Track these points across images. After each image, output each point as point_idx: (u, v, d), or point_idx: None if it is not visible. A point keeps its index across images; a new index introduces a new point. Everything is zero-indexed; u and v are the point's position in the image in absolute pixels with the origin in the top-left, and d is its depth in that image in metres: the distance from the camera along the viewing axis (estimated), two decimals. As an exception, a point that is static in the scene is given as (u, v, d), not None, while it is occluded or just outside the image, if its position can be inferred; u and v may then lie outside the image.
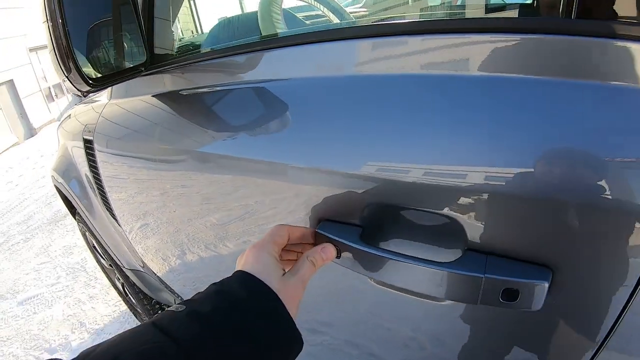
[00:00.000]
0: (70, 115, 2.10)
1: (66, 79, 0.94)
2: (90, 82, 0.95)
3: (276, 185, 0.75)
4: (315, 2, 1.56)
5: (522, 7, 1.02)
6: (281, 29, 1.21)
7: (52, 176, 2.27)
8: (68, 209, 2.46)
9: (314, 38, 0.78)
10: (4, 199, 7.32)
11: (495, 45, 0.53)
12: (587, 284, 0.50)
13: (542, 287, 0.49)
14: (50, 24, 0.87)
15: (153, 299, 2.14)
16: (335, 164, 0.64)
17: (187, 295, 1.57)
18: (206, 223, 1.06)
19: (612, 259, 0.46)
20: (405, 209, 0.59)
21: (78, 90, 0.95)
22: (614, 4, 0.46)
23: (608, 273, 0.47)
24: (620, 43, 0.45)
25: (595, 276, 0.49)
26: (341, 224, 0.66)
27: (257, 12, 1.25)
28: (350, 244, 0.62)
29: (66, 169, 2.07)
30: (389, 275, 0.61)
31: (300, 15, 1.52)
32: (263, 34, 1.20)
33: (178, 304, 0.51)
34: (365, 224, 0.65)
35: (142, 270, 1.86)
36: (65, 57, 0.90)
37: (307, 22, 1.53)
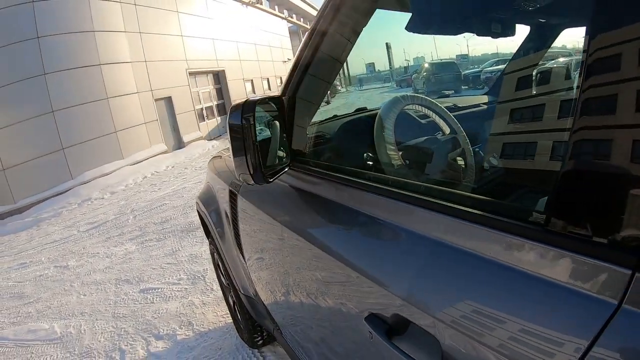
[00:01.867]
0: (221, 156, 2.56)
1: (249, 175, 1.22)
2: (269, 180, 1.26)
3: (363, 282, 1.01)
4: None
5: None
6: (401, 175, 1.36)
7: (197, 202, 2.67)
8: (204, 230, 2.82)
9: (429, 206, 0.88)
10: (146, 199, 8.08)
11: None
12: None
13: None
14: (247, 129, 1.19)
15: (256, 322, 2.37)
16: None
17: (285, 328, 1.80)
18: (312, 276, 1.26)
19: None
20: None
21: (252, 181, 1.24)
22: None
23: None
24: None
25: None
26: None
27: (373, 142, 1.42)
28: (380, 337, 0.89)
29: (209, 201, 2.46)
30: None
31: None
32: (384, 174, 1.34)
33: None
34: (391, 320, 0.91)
35: (253, 297, 2.12)
36: (255, 158, 1.20)
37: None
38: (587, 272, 0.57)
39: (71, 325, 3.63)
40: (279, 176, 1.34)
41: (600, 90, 0.56)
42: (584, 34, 0.57)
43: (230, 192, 2.01)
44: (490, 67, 2.25)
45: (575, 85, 0.61)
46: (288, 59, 28.31)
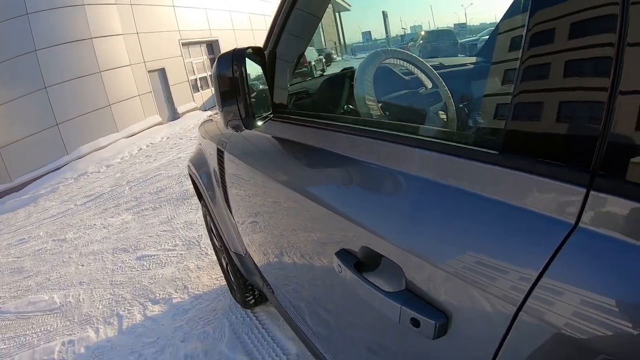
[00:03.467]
0: (212, 119, 2.56)
1: (240, 121, 1.24)
2: (258, 124, 1.27)
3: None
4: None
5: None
6: (376, 115, 1.36)
7: (188, 165, 2.70)
8: (196, 194, 2.84)
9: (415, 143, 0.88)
10: (142, 170, 8.12)
11: None
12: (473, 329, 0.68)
13: (432, 324, 0.69)
14: (238, 74, 1.20)
15: (248, 281, 2.44)
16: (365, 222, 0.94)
17: (276, 287, 1.85)
18: (307, 237, 1.26)
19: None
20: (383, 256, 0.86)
21: (244, 126, 1.25)
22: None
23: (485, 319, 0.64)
24: None
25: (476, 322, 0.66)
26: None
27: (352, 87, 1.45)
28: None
29: (200, 163, 2.48)
30: (359, 290, 0.89)
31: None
32: (360, 115, 1.37)
33: None
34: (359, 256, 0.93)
35: (243, 255, 2.15)
36: (246, 102, 1.21)
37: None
38: (543, 193, 0.59)
39: (70, 295, 3.68)
40: (264, 123, 1.36)
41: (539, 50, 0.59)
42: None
43: (218, 150, 2.03)
44: (487, 35, 2.24)
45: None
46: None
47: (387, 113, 1.40)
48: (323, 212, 1.08)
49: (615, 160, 0.51)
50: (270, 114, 1.40)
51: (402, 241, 0.80)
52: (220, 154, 2.02)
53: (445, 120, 1.43)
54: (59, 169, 10.43)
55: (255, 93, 1.34)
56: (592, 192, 0.52)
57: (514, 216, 0.62)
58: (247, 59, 1.29)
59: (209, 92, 17.45)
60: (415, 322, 0.73)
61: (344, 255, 0.96)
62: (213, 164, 2.19)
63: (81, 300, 3.56)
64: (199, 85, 16.92)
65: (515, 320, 0.58)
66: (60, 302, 3.61)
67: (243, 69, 1.22)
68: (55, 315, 3.45)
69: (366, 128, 1.08)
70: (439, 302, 0.72)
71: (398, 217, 0.84)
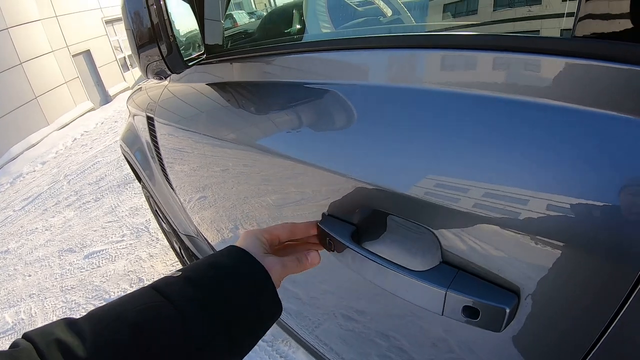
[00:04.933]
0: (141, 88, 2.23)
1: (163, 60, 1.00)
2: (189, 64, 1.05)
3: (303, 180, 0.81)
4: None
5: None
6: (326, 27, 1.18)
7: (120, 145, 2.41)
8: (135, 175, 2.57)
9: (357, 44, 0.77)
10: (78, 161, 7.71)
11: None
12: (553, 313, 0.49)
13: (502, 311, 0.49)
14: (155, 7, 0.95)
15: None
16: (343, 167, 0.69)
17: None
18: (262, 203, 1.09)
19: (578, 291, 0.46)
20: (393, 216, 0.63)
21: (168, 70, 1.02)
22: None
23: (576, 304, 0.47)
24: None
25: (561, 307, 0.48)
26: (340, 220, 0.72)
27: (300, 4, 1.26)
28: (341, 240, 0.67)
29: (132, 139, 2.20)
30: (370, 275, 0.65)
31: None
32: (308, 30, 1.21)
33: (176, 271, 0.58)
34: (358, 224, 0.69)
35: (195, 237, 1.95)
36: (168, 39, 0.98)
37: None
38: None
39: (21, 311, 3.41)
40: (195, 63, 1.11)
41: None
42: None
43: (147, 117, 1.74)
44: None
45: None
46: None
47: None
48: (291, 167, 0.84)
49: None
50: (203, 53, 1.15)
51: (419, 190, 0.56)
52: (150, 121, 1.73)
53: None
54: (-9, 174, 9.75)
55: (181, 35, 1.09)
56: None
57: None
58: None
59: (138, 70, 16.67)
60: (472, 312, 0.52)
61: (333, 223, 0.71)
62: (145, 136, 1.91)
63: (33, 314, 3.28)
64: (128, 63, 16.12)
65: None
66: (12, 321, 3.32)
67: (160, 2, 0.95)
68: (9, 337, 3.16)
69: (329, 39, 0.88)
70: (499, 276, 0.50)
71: (410, 152, 0.60)
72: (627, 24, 0.40)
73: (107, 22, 14.94)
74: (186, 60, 1.05)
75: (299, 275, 0.67)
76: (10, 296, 3.75)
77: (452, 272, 0.55)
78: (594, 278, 0.43)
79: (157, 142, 1.71)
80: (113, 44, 15.19)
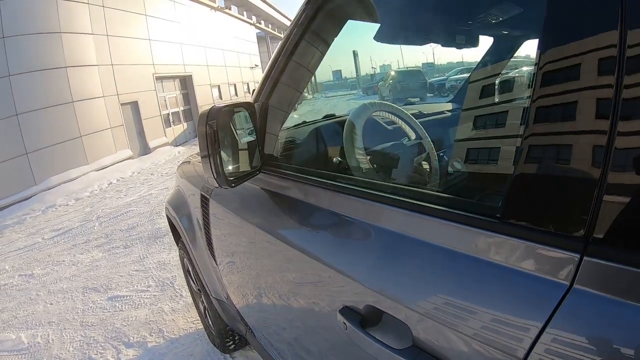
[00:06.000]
0: (190, 161, 2.57)
1: (214, 179, 1.26)
2: (232, 184, 1.29)
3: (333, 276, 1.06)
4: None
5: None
6: (367, 172, 1.40)
7: (166, 207, 2.67)
8: (173, 236, 2.81)
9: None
10: (112, 205, 7.95)
11: None
12: None
13: None
14: (208, 136, 1.23)
15: (228, 326, 2.40)
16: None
17: (258, 330, 1.83)
18: (283, 277, 1.31)
19: None
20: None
21: (221, 186, 1.28)
22: None
23: None
24: None
25: None
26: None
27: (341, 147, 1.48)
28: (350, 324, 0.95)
29: (179, 205, 2.47)
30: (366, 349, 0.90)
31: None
32: (351, 171, 1.41)
33: None
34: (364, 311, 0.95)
35: (225, 301, 2.15)
36: (218, 165, 1.24)
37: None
38: (540, 258, 0.64)
39: (39, 335, 3.54)
40: (245, 180, 1.38)
41: (547, 100, 0.63)
42: (536, 47, 0.64)
43: (202, 196, 2.03)
44: (455, 75, 2.33)
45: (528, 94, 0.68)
46: (255, 65, 28.23)
47: (375, 166, 1.45)
48: (322, 269, 1.10)
49: (606, 228, 0.56)
50: (257, 170, 1.43)
51: (406, 300, 0.83)
52: (204, 200, 2.02)
53: (429, 170, 1.49)
54: (26, 199, 10.12)
55: (242, 148, 1.39)
56: (585, 258, 0.58)
57: (516, 280, 0.67)
58: (233, 114, 1.35)
59: (180, 128, 17.40)
60: None
61: (348, 312, 0.98)
62: (195, 207, 2.19)
63: (50, 341, 3.42)
64: (171, 120, 16.80)
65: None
66: (28, 343, 3.47)
67: (215, 129, 1.24)
68: (22, 356, 3.30)
69: (359, 189, 1.10)
70: (446, 357, 0.74)
71: (399, 277, 0.88)
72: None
73: (157, 78, 15.66)
74: (235, 178, 1.32)
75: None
76: (29, 319, 3.89)
77: (417, 351, 0.78)
78: None
79: (208, 217, 1.98)
80: (160, 99, 15.78)
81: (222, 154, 1.28)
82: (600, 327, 0.55)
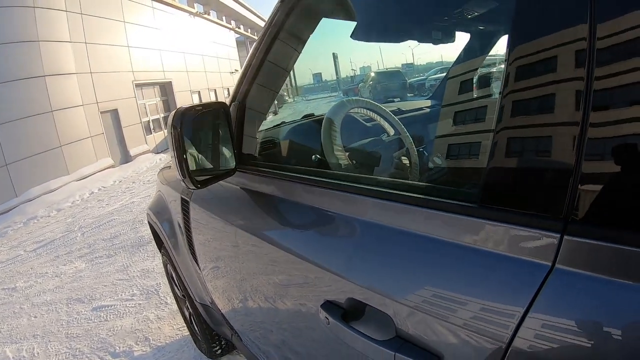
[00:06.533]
0: (170, 166, 2.54)
1: (182, 180, 1.25)
2: (198, 185, 1.26)
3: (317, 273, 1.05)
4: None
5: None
6: (344, 164, 1.41)
7: (148, 214, 2.65)
8: (156, 242, 2.79)
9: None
10: (94, 215, 7.87)
11: None
12: None
13: None
14: (173, 138, 1.20)
15: (214, 331, 2.38)
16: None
17: (244, 334, 1.81)
18: (269, 280, 1.29)
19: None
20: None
21: (189, 187, 1.27)
22: None
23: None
24: None
25: None
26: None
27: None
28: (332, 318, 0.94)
29: (160, 211, 2.44)
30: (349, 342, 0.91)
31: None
32: (329, 166, 1.41)
33: None
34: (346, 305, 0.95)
35: (210, 305, 2.12)
36: (183, 166, 1.22)
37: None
38: (521, 240, 0.64)
39: (23, 349, 3.49)
40: (218, 181, 1.37)
41: (518, 95, 0.64)
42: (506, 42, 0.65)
43: (182, 199, 2.01)
44: (435, 75, 2.35)
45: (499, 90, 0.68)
46: (235, 69, 28.15)
47: (355, 162, 1.46)
48: (302, 264, 1.09)
49: (583, 208, 0.57)
50: (233, 171, 1.41)
51: (387, 290, 0.83)
52: (184, 203, 2.00)
53: (408, 164, 1.50)
54: (7, 212, 9.96)
55: (213, 149, 1.38)
56: (565, 237, 0.59)
57: (497, 264, 0.67)
58: (203, 115, 1.33)
59: (161, 135, 17.30)
60: None
61: (329, 307, 0.97)
62: (176, 212, 2.17)
63: (36, 354, 3.37)
64: (151, 127, 16.72)
65: (505, 359, 0.62)
66: (13, 357, 3.41)
67: (179, 130, 1.22)
68: None
69: (338, 182, 1.10)
70: (430, 346, 0.74)
71: (380, 267, 0.88)
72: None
73: (137, 85, 15.61)
74: (203, 179, 1.29)
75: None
76: (14, 333, 3.82)
77: (400, 341, 0.78)
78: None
79: (189, 221, 1.96)
80: (140, 106, 15.70)
81: (193, 154, 1.27)
82: (584, 305, 0.56)
